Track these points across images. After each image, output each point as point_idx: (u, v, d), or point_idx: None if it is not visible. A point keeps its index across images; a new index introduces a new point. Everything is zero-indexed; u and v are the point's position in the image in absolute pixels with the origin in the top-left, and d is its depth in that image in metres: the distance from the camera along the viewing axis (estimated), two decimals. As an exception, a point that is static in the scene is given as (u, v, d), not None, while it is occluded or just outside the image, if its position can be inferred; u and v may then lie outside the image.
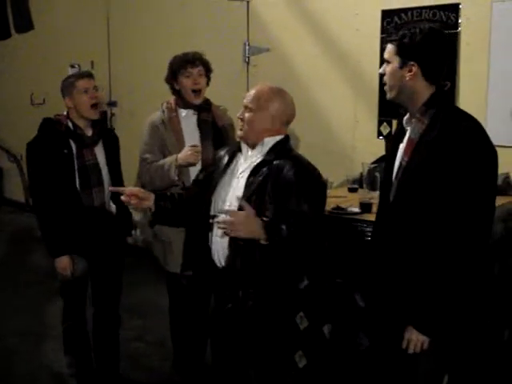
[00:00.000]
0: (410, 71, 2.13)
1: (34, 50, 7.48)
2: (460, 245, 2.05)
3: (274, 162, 2.41)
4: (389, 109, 3.92)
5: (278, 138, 2.49)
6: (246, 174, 2.46)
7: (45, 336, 4.17)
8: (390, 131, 4.10)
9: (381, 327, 2.32)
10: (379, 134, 4.18)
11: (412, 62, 2.13)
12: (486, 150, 2.08)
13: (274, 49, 4.71)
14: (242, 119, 2.49)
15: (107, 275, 3.35)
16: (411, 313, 2.14)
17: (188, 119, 3.36)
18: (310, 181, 2.41)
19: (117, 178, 3.32)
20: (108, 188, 3.19)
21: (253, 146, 2.50)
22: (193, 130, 3.34)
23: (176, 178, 3.19)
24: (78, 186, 3.15)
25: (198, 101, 3.31)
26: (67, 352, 3.47)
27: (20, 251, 6.35)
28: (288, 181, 2.37)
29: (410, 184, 2.15)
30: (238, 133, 2.53)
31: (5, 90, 8.11)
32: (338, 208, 3.00)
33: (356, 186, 3.67)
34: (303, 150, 4.61)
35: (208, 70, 3.37)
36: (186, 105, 3.34)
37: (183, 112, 3.37)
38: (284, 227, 2.30)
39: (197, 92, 3.29)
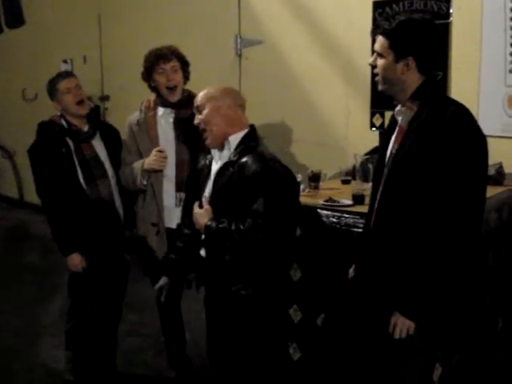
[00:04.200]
0: (407, 65, 2.13)
1: (25, 46, 7.44)
2: (446, 231, 2.03)
3: (239, 161, 2.41)
4: (381, 100, 3.89)
5: (242, 134, 2.49)
6: (212, 177, 2.51)
7: (41, 333, 4.16)
8: (383, 123, 4.09)
9: (371, 316, 2.31)
10: (372, 125, 4.17)
11: (408, 57, 2.12)
12: (473, 134, 2.07)
13: (266, 41, 4.69)
14: (204, 129, 2.50)
15: (114, 269, 3.36)
16: (397, 298, 2.14)
17: (165, 118, 3.22)
18: (269, 177, 2.35)
19: None
20: (113, 179, 3.24)
21: (222, 148, 2.51)
22: (168, 131, 3.20)
23: (144, 183, 3.15)
24: (82, 180, 3.17)
25: (174, 98, 3.16)
26: (68, 348, 3.46)
27: (14, 248, 6.33)
28: (248, 177, 2.36)
29: (399, 171, 2.14)
30: (206, 142, 2.53)
31: (-1, 86, 8.08)
32: (330, 200, 2.99)
33: (349, 177, 3.67)
34: (296, 143, 4.68)
35: (184, 64, 3.22)
36: (164, 103, 3.20)
37: (160, 111, 3.23)
38: (232, 226, 2.34)
39: (172, 89, 3.15)
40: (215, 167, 2.54)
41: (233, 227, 2.35)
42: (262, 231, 2.32)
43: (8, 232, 7.12)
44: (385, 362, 2.29)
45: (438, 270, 2.05)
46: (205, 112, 2.49)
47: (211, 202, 2.50)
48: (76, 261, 3.20)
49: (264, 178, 2.34)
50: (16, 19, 7.50)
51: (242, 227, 2.33)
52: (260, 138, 2.54)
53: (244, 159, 2.40)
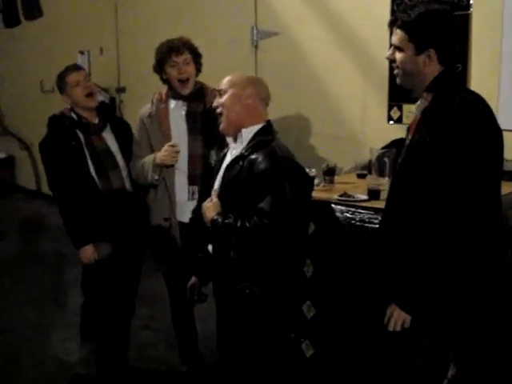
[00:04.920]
0: (428, 57, 2.07)
1: (43, 37, 7.45)
2: (451, 225, 1.96)
3: (250, 156, 2.36)
4: (399, 93, 3.83)
5: (256, 128, 2.44)
6: (222, 171, 2.47)
7: (52, 325, 4.16)
8: (401, 116, 4.02)
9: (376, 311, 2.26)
10: (389, 118, 4.09)
11: (430, 49, 2.06)
12: (484, 124, 1.99)
13: (282, 33, 4.62)
14: (221, 112, 2.46)
15: (128, 262, 3.33)
16: (395, 288, 2.09)
17: (177, 111, 3.17)
18: (278, 175, 2.30)
19: None
20: (124, 171, 3.21)
21: (235, 139, 2.48)
22: (181, 123, 3.14)
23: (156, 178, 3.11)
24: (93, 172, 3.15)
25: (185, 91, 3.11)
26: (85, 340, 3.45)
27: (30, 239, 6.36)
28: (257, 175, 2.31)
29: (410, 162, 2.09)
30: (220, 127, 2.49)
31: (15, 78, 8.11)
32: (345, 195, 2.93)
33: (365, 172, 3.60)
34: (312, 136, 4.62)
35: (196, 56, 3.17)
36: (175, 95, 3.15)
37: (172, 103, 3.18)
38: (238, 223, 2.30)
39: (184, 82, 3.10)
40: (227, 160, 2.50)
41: (238, 224, 2.31)
42: (268, 230, 2.27)
43: (24, 223, 7.16)
44: (390, 359, 2.24)
45: (439, 265, 1.99)
46: (225, 96, 2.46)
47: (220, 195, 2.46)
48: (88, 253, 3.18)
49: (273, 176, 2.29)
50: (34, 11, 7.51)
51: (247, 225, 2.29)
52: (275, 133, 2.49)
53: (255, 155, 2.35)
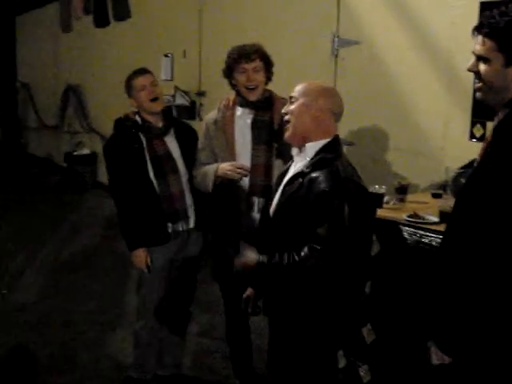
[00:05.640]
0: None
1: (130, 38, 7.62)
2: (499, 267, 1.77)
3: (311, 174, 2.22)
4: (484, 109, 3.59)
5: (322, 143, 2.30)
6: (282, 186, 2.35)
7: (114, 325, 4.19)
8: (484, 134, 3.78)
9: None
10: (472, 136, 3.85)
11: None
12: None
13: (363, 42, 4.46)
14: (288, 120, 2.34)
15: (186, 267, 3.31)
16: (433, 327, 1.92)
17: (242, 119, 3.06)
18: (339, 197, 2.15)
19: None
20: (184, 177, 3.17)
21: (299, 150, 2.35)
22: (246, 132, 3.03)
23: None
24: (152, 176, 3.12)
25: (253, 97, 3.01)
26: (136, 347, 3.43)
27: (105, 236, 6.47)
28: (315, 195, 2.17)
29: (472, 186, 1.90)
30: (285, 134, 2.37)
31: (102, 76, 8.33)
32: (414, 215, 2.76)
33: (440, 191, 3.40)
34: (388, 151, 4.43)
35: (267, 64, 3.05)
36: (243, 102, 3.06)
37: (239, 110, 3.08)
38: (285, 259, 2.18)
39: (252, 89, 3.00)
40: (289, 174, 2.39)
41: (285, 260, 2.18)
42: (321, 258, 2.14)
43: (102, 219, 7.30)
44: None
45: (485, 309, 1.80)
46: (295, 105, 2.34)
47: (276, 211, 2.35)
48: (140, 257, 3.16)
49: (331, 199, 2.15)
50: (123, 12, 7.69)
51: (296, 258, 2.16)
52: (340, 150, 2.34)
53: (316, 173, 2.21)
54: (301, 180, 2.25)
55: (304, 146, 2.33)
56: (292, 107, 2.36)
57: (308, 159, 2.30)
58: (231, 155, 3.02)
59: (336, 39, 4.62)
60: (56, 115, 10.21)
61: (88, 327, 4.16)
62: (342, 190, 2.17)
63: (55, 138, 10.38)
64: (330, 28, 4.65)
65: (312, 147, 2.31)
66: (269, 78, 3.08)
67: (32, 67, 11.50)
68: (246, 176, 2.96)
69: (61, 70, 10.03)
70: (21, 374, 3.66)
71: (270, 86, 3.20)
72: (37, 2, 10.58)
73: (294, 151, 2.40)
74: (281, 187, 2.39)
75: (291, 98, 2.38)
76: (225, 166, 2.96)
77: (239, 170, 2.93)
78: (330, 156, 2.26)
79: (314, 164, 2.25)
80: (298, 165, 2.36)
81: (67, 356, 3.78)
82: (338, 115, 2.36)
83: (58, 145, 10.26)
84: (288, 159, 2.51)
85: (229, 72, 3.06)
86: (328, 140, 2.31)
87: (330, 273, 2.19)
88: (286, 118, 2.37)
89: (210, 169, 3.04)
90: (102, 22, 8.20)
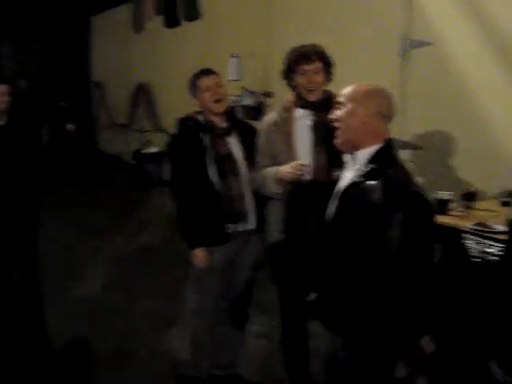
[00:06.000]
0: None
1: (199, 39, 7.70)
2: None
3: (363, 185, 2.14)
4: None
5: (373, 149, 2.21)
6: (338, 195, 2.28)
7: (171, 322, 4.20)
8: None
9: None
10: (547, 144, 3.69)
11: None
12: None
13: (434, 43, 4.33)
14: (338, 127, 2.26)
15: (245, 268, 3.31)
16: (495, 345, 1.81)
17: (303, 120, 3.00)
18: (393, 209, 2.06)
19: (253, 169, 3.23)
20: (245, 178, 3.16)
21: (352, 156, 2.27)
22: (306, 133, 2.97)
23: (278, 191, 2.96)
24: (213, 175, 3.13)
25: (313, 97, 2.95)
26: (192, 345, 3.45)
27: (168, 233, 6.53)
28: (368, 207, 2.09)
29: None
30: (335, 141, 2.30)
31: (171, 75, 8.44)
32: (480, 224, 2.65)
33: (510, 199, 3.26)
34: (457, 156, 4.28)
35: (328, 65, 3.00)
36: (303, 104, 3.00)
37: (298, 112, 3.02)
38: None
39: (312, 90, 2.95)
40: (343, 182, 2.31)
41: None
42: (376, 274, 2.08)
43: (167, 218, 7.36)
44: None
45: None
46: (342, 111, 2.27)
47: (333, 219, 2.27)
48: (199, 257, 3.18)
49: (386, 211, 2.07)
50: (193, 13, 7.78)
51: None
52: (394, 156, 2.24)
53: (368, 183, 2.13)
54: (355, 190, 2.18)
55: (355, 153, 2.25)
56: (339, 113, 2.28)
57: (360, 167, 2.22)
58: (291, 157, 2.97)
59: (405, 40, 4.51)
60: (126, 114, 10.45)
61: (146, 323, 4.22)
62: (397, 201, 2.08)
63: (125, 135, 10.62)
64: (399, 28, 4.54)
65: (363, 154, 2.22)
66: (328, 79, 3.03)
67: (105, 67, 11.82)
68: (306, 175, 2.90)
69: (132, 69, 10.25)
70: (80, 365, 3.74)
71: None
72: (110, 3, 10.86)
73: (347, 157, 2.33)
74: (335, 196, 2.32)
75: (338, 103, 2.30)
76: (285, 169, 2.91)
77: (299, 172, 2.87)
78: (382, 164, 2.18)
79: (367, 174, 2.17)
80: (351, 172, 2.29)
81: (125, 350, 3.85)
82: (388, 117, 2.26)
83: (127, 142, 10.49)
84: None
85: (288, 73, 3.02)
86: (380, 145, 2.22)
87: (391, 282, 2.13)
88: (336, 124, 2.30)
89: (270, 172, 3.00)
90: (172, 22, 8.32)
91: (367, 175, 2.16)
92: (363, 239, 2.12)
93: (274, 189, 2.98)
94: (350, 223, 2.18)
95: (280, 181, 2.93)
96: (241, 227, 3.18)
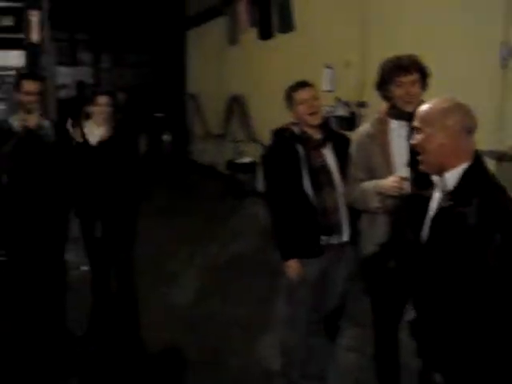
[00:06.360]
0: None
1: (292, 50, 7.74)
2: None
3: (455, 210, 2.04)
4: None
5: (460, 170, 2.10)
6: (430, 217, 2.20)
7: (263, 331, 4.23)
8: None
9: None
10: None
11: None
12: None
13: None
14: (419, 152, 2.18)
15: (338, 280, 3.32)
16: None
17: (397, 131, 2.93)
18: (492, 231, 1.95)
19: None
20: (339, 190, 3.15)
21: (440, 178, 2.17)
22: (402, 145, 2.87)
23: (378, 206, 2.88)
24: (308, 187, 3.15)
25: (410, 108, 2.83)
26: (283, 356, 3.47)
27: (260, 243, 6.56)
28: (467, 233, 1.99)
29: None
30: (420, 166, 2.22)
31: (265, 87, 8.54)
32: None
33: None
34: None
35: (424, 76, 2.91)
36: (398, 115, 2.92)
37: (393, 123, 2.95)
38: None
39: (410, 102, 2.86)
40: (434, 203, 2.22)
41: None
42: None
43: (259, 228, 7.43)
44: None
45: None
46: (419, 137, 2.18)
47: (426, 248, 2.20)
48: (292, 268, 3.19)
49: (484, 235, 1.97)
50: (287, 24, 7.84)
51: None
52: (485, 173, 2.13)
53: (461, 209, 2.04)
54: (448, 216, 2.10)
55: (444, 174, 2.15)
56: (417, 140, 2.20)
57: (450, 189, 2.13)
58: (389, 169, 2.92)
59: (506, 48, 4.35)
60: (220, 124, 10.66)
61: (238, 331, 4.27)
62: (493, 223, 1.99)
63: (219, 146, 10.83)
64: (499, 35, 4.38)
65: (452, 176, 2.13)
66: (424, 89, 2.95)
67: (199, 79, 12.12)
68: (406, 188, 2.81)
69: (226, 81, 10.45)
70: (172, 371, 3.84)
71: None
72: (206, 17, 11.13)
73: (435, 178, 2.23)
74: (427, 220, 2.24)
75: (414, 128, 2.22)
76: (385, 183, 2.84)
77: (402, 185, 2.78)
78: (473, 185, 2.08)
79: (456, 199, 2.08)
80: (440, 193, 2.20)
81: (216, 358, 3.91)
82: (472, 129, 2.14)
83: (221, 153, 10.69)
84: None
85: (383, 84, 2.97)
86: (468, 164, 2.11)
87: (494, 310, 2.04)
88: (417, 149, 2.22)
89: (368, 186, 2.94)
90: (266, 34, 8.43)
91: (456, 201, 2.07)
92: (461, 265, 2.04)
93: (373, 203, 2.92)
94: (445, 250, 2.10)
95: (380, 194, 2.88)
96: (335, 240, 3.17)
